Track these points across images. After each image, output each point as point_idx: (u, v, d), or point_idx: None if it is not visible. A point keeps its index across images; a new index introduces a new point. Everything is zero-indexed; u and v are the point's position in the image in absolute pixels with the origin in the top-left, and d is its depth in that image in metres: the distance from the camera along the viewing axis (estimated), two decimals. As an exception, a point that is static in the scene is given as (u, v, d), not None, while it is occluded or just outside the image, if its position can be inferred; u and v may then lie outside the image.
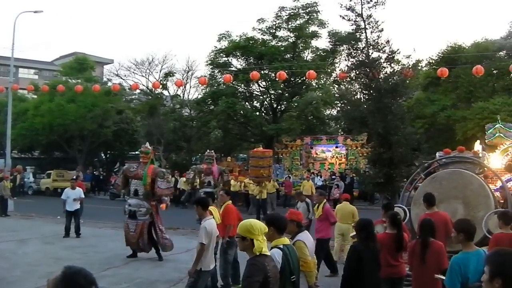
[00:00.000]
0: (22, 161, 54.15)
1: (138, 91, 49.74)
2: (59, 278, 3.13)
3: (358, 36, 31.06)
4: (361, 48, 30.39)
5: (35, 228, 22.13)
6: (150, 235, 15.96)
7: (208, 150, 23.94)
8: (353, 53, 30.79)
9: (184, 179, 31.74)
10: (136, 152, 45.81)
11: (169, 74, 49.36)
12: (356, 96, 45.81)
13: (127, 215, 16.00)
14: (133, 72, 51.78)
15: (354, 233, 8.94)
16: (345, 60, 42.88)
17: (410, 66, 35.20)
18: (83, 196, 21.64)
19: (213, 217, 9.99)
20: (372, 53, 29.52)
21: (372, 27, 29.18)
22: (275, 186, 30.60)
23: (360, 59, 29.77)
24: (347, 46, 39.54)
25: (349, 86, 47.74)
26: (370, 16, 29.09)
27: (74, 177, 26.54)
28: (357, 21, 29.69)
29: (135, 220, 15.73)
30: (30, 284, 12.52)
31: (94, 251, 16.83)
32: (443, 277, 6.96)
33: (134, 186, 16.18)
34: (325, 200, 14.65)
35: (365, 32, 29.55)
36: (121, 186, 17.20)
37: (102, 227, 22.72)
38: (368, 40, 29.41)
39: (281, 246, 6.11)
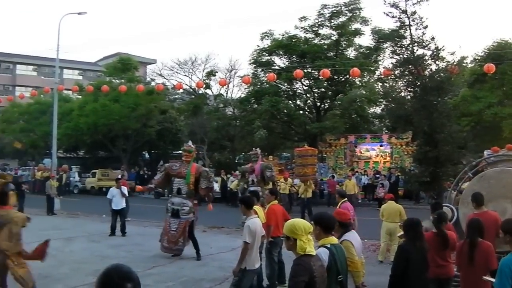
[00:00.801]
0: (67, 160, 54.89)
1: (181, 90, 50.00)
2: (99, 275, 3.12)
3: (402, 33, 30.65)
4: (406, 45, 29.98)
5: (81, 227, 22.34)
6: (189, 233, 15.86)
7: (253, 148, 23.83)
8: (397, 51, 30.39)
9: (233, 179, 31.79)
10: (180, 151, 46.05)
11: (211, 73, 49.53)
12: (400, 94, 45.35)
13: (169, 213, 15.94)
14: (176, 72, 52.22)
15: (402, 232, 8.81)
16: (389, 57, 42.59)
17: (455, 63, 34.68)
18: (126, 193, 21.77)
19: (258, 216, 9.91)
20: (417, 50, 29.11)
21: (417, 23, 28.76)
22: (312, 187, 30.46)
23: (405, 56, 29.37)
24: (391, 43, 39.16)
25: (393, 84, 47.30)
26: (414, 12, 28.67)
27: (119, 176, 26.73)
28: (401, 18, 29.28)
29: (178, 219, 15.68)
30: (77, 281, 12.60)
31: (139, 250, 16.89)
32: (493, 279, 6.79)
33: (177, 185, 16.11)
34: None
35: (410, 29, 29.15)
36: (160, 183, 17.12)
37: (147, 225, 22.82)
38: (413, 37, 28.99)
39: (328, 245, 6.06)
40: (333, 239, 6.27)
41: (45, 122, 50.48)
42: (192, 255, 15.70)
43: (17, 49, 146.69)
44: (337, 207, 13.62)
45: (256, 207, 10.17)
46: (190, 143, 17.08)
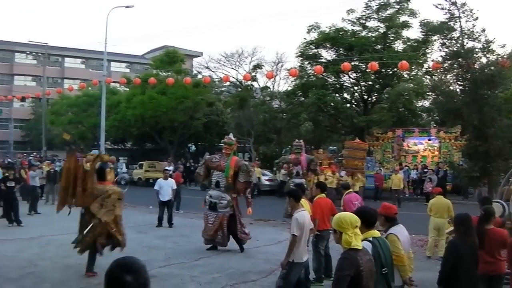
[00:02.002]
0: (115, 152, 55.60)
1: (228, 83, 50.14)
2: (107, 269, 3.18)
3: (451, 25, 30.14)
4: (455, 38, 29.47)
5: (128, 218, 22.46)
6: (229, 228, 15.72)
7: (296, 140, 23.69)
8: (446, 43, 29.91)
9: (283, 171, 31.75)
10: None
11: (258, 66, 49.53)
12: (450, 87, 44.68)
13: (207, 206, 15.84)
14: (222, 65, 52.27)
15: (451, 228, 8.68)
16: (438, 50, 41.98)
17: (506, 56, 34.01)
18: (175, 187, 21.94)
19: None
20: (467, 43, 28.61)
21: (467, 15, 28.25)
22: (363, 181, 30.21)
23: (454, 49, 28.89)
24: (440, 36, 38.58)
25: (442, 77, 46.62)
26: (464, 4, 28.17)
27: (168, 168, 26.86)
28: (450, 10, 28.80)
29: (215, 212, 15.56)
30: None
31: (186, 241, 16.98)
32: None
33: (215, 178, 15.97)
34: None
35: (460, 21, 28.64)
36: (202, 176, 17.10)
37: (193, 217, 22.92)
38: (463, 29, 28.50)
39: (371, 239, 6.11)
40: (375, 233, 6.28)
41: (93, 114, 51.23)
42: (238, 247, 15.73)
43: (66, 43, 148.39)
44: (342, 198, 13.51)
45: (302, 200, 10.10)
46: (231, 135, 16.90)
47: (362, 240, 5.93)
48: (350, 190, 14.14)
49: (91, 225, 12.10)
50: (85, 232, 12.27)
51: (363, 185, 29.85)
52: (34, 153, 61.36)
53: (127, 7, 39.12)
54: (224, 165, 15.84)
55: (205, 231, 15.70)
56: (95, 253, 12.40)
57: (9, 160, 48.38)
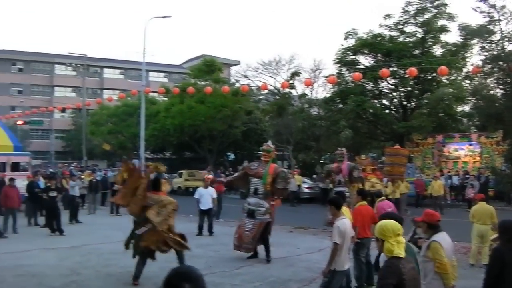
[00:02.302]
0: (154, 161, 55.81)
1: (266, 91, 50.17)
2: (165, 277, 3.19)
3: (491, 28, 29.80)
4: (495, 41, 29.13)
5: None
6: (261, 235, 15.60)
7: (338, 148, 23.53)
8: (486, 47, 29.65)
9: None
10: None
11: (295, 74, 49.48)
12: (490, 92, 44.17)
13: (245, 213, 15.79)
14: (260, 73, 52.33)
15: (495, 235, 8.53)
16: (478, 54, 41.54)
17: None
18: (215, 195, 21.98)
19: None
20: (507, 45, 28.27)
21: (507, 18, 27.94)
22: (407, 187, 29.88)
23: (495, 52, 28.57)
24: (479, 39, 38.20)
25: (482, 81, 46.07)
26: (504, 6, 27.89)
27: (208, 175, 26.91)
28: (490, 13, 28.56)
29: (253, 220, 15.48)
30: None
31: (226, 249, 16.96)
32: None
33: (254, 185, 15.90)
34: None
35: (499, 24, 28.32)
36: (233, 181, 17.10)
37: (233, 225, 22.82)
38: (503, 32, 28.17)
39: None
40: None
41: (133, 124, 51.66)
42: (280, 256, 15.67)
43: (105, 54, 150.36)
44: (374, 206, 13.32)
45: (343, 208, 10.04)
46: (269, 143, 16.87)
47: None
48: (383, 197, 14.02)
49: (145, 229, 12.32)
50: (137, 235, 12.55)
51: (407, 191, 29.52)
52: (75, 163, 62.12)
53: (164, 17, 39.44)
54: (262, 172, 15.79)
55: (237, 237, 15.66)
56: (146, 261, 12.66)
57: (51, 170, 49.00)
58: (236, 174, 17.28)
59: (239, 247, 15.64)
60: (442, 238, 7.52)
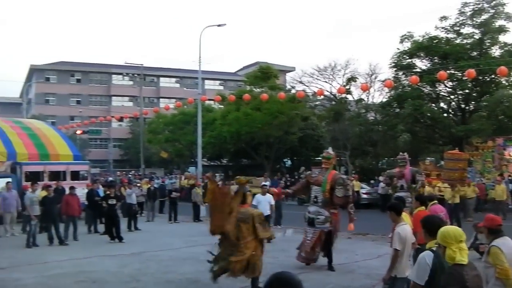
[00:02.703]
0: (211, 168, 56.30)
1: (322, 97, 49.99)
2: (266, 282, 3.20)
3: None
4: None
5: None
6: (325, 244, 15.38)
7: (400, 153, 23.16)
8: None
9: (383, 185, 31.31)
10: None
11: (352, 79, 49.22)
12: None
13: (306, 222, 15.63)
14: (316, 79, 52.18)
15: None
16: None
17: None
18: (273, 202, 21.94)
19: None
20: None
21: None
22: (475, 191, 29.36)
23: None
24: (540, 39, 37.33)
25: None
26: None
27: (265, 183, 26.85)
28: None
29: (313, 228, 15.31)
30: (225, 286, 12.80)
31: (285, 255, 16.88)
32: None
33: (314, 193, 15.65)
34: None
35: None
36: (298, 190, 17.00)
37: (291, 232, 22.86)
38: None
39: (434, 249, 5.99)
40: None
41: (189, 132, 52.06)
42: (338, 262, 15.50)
43: (161, 63, 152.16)
44: (427, 209, 12.93)
45: (404, 214, 9.87)
46: (329, 149, 16.65)
47: (427, 250, 6.05)
48: (435, 201, 13.73)
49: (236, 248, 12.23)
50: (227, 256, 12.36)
51: (474, 195, 29.02)
52: (133, 171, 62.97)
53: (219, 25, 39.68)
54: (321, 180, 15.54)
55: (303, 248, 15.43)
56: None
57: (111, 178, 49.75)
58: (299, 183, 17.12)
59: (307, 259, 15.42)
60: (503, 243, 7.33)
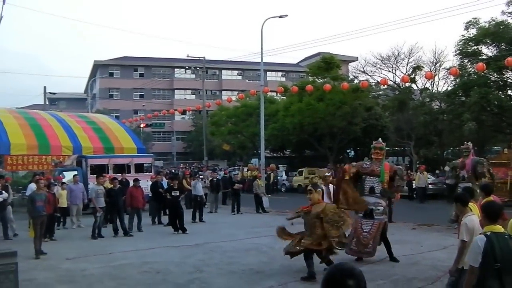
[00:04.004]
0: (274, 160, 56.32)
1: (385, 86, 49.38)
2: (324, 274, 3.15)
3: None
4: None
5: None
6: (381, 236, 15.07)
7: (465, 143, 22.65)
8: None
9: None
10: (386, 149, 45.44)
11: (417, 67, 48.44)
12: None
13: (361, 214, 15.18)
14: (379, 68, 51.54)
15: None
16: None
17: None
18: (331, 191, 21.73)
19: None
20: None
21: None
22: None
23: None
24: None
25: None
26: None
27: (327, 174, 26.69)
28: None
29: (372, 220, 14.94)
30: (288, 277, 12.78)
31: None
32: None
33: (369, 183, 15.32)
34: None
35: None
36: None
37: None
38: None
39: (488, 233, 6.14)
40: (497, 227, 6.23)
41: (252, 124, 52.14)
42: (403, 253, 15.23)
43: (222, 55, 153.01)
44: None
45: (471, 204, 9.58)
46: (379, 140, 16.45)
47: (480, 234, 6.26)
48: None
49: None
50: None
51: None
52: (195, 164, 63.49)
53: (280, 17, 39.52)
54: (378, 170, 15.24)
55: (356, 241, 14.95)
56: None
57: (173, 170, 50.21)
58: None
59: (358, 252, 14.93)
60: None
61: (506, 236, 6.23)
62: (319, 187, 13.77)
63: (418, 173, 35.60)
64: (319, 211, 12.66)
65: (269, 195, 34.44)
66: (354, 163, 16.48)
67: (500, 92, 42.53)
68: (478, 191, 12.90)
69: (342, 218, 12.79)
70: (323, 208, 12.76)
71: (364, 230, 14.97)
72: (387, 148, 20.35)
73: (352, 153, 59.75)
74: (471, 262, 6.18)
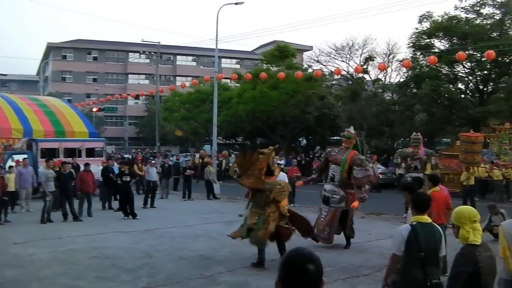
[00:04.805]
0: (227, 147, 56.30)
1: (338, 76, 49.70)
2: (282, 258, 3.17)
3: None
4: None
5: (240, 211, 22.73)
6: (340, 224, 15.33)
7: (414, 133, 23.02)
8: None
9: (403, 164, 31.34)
10: (337, 138, 45.81)
11: (370, 58, 48.86)
12: None
13: (322, 200, 15.56)
14: (333, 58, 51.82)
15: None
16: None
17: None
18: (286, 180, 21.85)
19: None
20: None
21: None
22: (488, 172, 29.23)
23: None
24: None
25: None
26: None
27: (279, 161, 26.84)
28: None
29: (328, 206, 15.25)
30: (237, 264, 12.92)
31: (298, 234, 16.82)
32: None
33: (332, 171, 15.56)
34: None
35: None
36: (320, 169, 16.84)
37: (305, 210, 22.70)
38: None
39: (414, 223, 6.28)
40: (424, 218, 6.38)
41: (205, 110, 51.97)
42: (352, 242, 15.48)
43: (177, 41, 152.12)
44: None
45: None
46: (350, 129, 16.49)
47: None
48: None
49: (264, 215, 12.66)
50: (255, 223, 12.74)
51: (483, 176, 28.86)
52: (147, 149, 63.17)
53: (236, 3, 39.40)
54: (340, 159, 15.44)
55: (316, 225, 15.28)
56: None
57: (126, 155, 49.92)
58: (319, 164, 16.82)
59: (317, 235, 15.19)
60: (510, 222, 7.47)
61: (432, 227, 6.41)
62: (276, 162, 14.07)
63: (371, 163, 36.01)
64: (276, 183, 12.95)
65: (221, 182, 34.57)
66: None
67: (451, 85, 43.32)
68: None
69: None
70: (280, 182, 13.12)
71: (322, 216, 15.36)
72: (338, 138, 20.52)
73: (304, 141, 60.07)
74: (394, 250, 6.30)
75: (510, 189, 28.36)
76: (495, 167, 29.93)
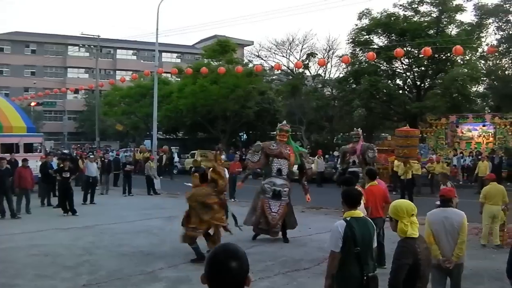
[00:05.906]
0: (167, 141, 55.94)
1: (279, 71, 49.95)
2: (211, 254, 3.17)
3: (507, 7, 29.42)
4: (512, 21, 28.79)
5: (181, 206, 22.63)
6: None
7: (355, 129, 23.32)
8: (502, 26, 29.28)
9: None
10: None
11: (311, 54, 49.25)
12: (505, 72, 43.81)
13: (269, 194, 15.49)
14: (273, 53, 52.10)
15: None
16: (493, 34, 41.16)
17: None
18: (227, 175, 21.87)
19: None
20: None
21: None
22: (418, 169, 29.72)
23: (511, 32, 28.24)
24: (495, 19, 37.80)
25: (497, 62, 45.69)
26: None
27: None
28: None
29: (279, 201, 15.36)
30: (178, 259, 12.92)
31: (238, 229, 16.98)
32: None
33: (277, 165, 15.73)
34: None
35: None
36: (259, 164, 16.79)
37: (245, 205, 22.79)
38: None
39: (348, 218, 6.28)
40: (356, 213, 6.43)
41: (145, 105, 51.57)
42: (291, 236, 15.65)
43: (117, 34, 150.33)
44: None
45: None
46: (285, 122, 16.92)
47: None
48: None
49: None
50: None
51: (419, 173, 29.29)
52: (86, 144, 62.40)
53: (177, -3, 39.33)
54: (286, 153, 15.77)
55: (265, 221, 15.33)
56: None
57: (65, 151, 49.21)
58: (255, 156, 16.67)
59: (266, 231, 15.44)
60: (435, 212, 7.86)
61: (366, 220, 6.54)
62: (201, 170, 14.05)
63: (316, 158, 36.20)
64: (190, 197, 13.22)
65: (161, 177, 34.38)
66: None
67: (389, 81, 44.08)
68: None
69: (209, 206, 12.93)
70: (190, 195, 13.30)
71: (273, 211, 15.36)
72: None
73: (245, 136, 60.16)
74: (332, 247, 6.24)
75: (433, 184, 28.87)
76: (435, 162, 30.57)
